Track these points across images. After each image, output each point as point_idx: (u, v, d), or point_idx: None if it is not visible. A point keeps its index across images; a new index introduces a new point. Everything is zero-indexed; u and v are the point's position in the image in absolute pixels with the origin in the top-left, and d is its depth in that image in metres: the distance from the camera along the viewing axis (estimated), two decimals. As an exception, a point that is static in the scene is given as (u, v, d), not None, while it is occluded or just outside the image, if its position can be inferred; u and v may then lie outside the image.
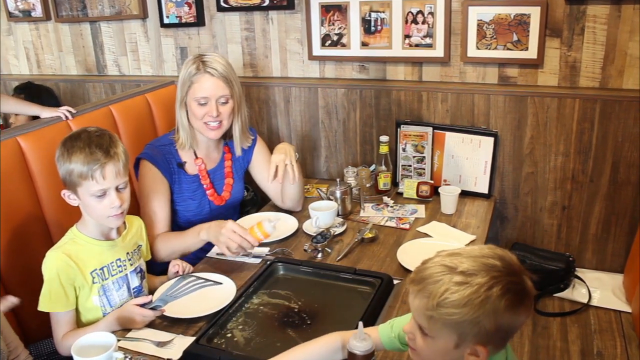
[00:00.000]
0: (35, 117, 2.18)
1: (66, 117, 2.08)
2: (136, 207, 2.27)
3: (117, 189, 1.55)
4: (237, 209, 2.25)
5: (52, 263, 1.54)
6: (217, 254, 1.86)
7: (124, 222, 1.69)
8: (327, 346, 1.27)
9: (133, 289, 1.67)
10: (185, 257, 2.01)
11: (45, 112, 2.10)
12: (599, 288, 2.18)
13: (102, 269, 1.60)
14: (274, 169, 1.98)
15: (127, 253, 1.67)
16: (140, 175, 1.99)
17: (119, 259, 1.64)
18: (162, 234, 1.91)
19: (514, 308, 0.97)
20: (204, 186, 2.05)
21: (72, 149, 1.51)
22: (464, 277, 0.97)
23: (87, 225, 1.61)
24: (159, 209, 1.94)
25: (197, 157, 2.04)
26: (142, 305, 1.52)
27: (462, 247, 1.07)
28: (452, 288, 0.97)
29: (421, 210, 2.20)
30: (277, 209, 2.22)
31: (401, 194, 2.34)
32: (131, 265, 1.68)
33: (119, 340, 1.37)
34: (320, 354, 1.27)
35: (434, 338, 1.03)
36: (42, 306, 1.55)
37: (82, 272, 1.56)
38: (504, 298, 0.96)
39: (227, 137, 2.08)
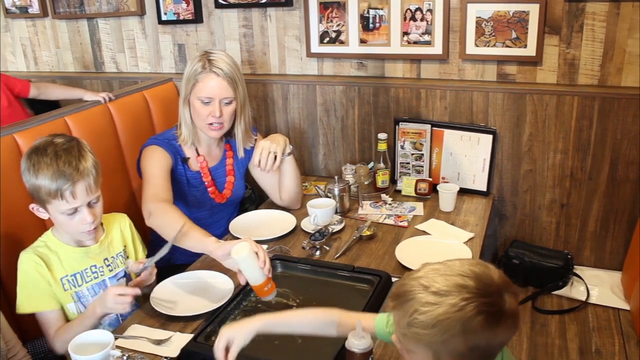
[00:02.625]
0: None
1: (105, 100, 2.26)
2: (134, 201, 2.26)
3: (89, 205, 1.50)
4: (237, 207, 2.25)
5: (28, 264, 1.51)
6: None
7: (102, 226, 1.65)
8: (323, 318, 1.28)
9: None
10: (183, 254, 2.01)
11: (88, 95, 2.31)
12: (597, 286, 2.18)
13: (73, 275, 1.57)
14: (259, 153, 1.97)
15: (105, 259, 1.64)
16: (143, 157, 1.93)
17: (94, 266, 1.61)
18: (169, 208, 1.77)
19: (489, 329, 0.94)
20: (205, 183, 2.04)
21: (39, 164, 1.44)
22: (435, 297, 0.95)
23: (60, 232, 1.58)
24: (162, 179, 1.86)
25: (199, 154, 2.04)
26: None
27: (447, 261, 1.05)
28: (421, 309, 0.95)
29: (419, 207, 2.20)
30: (276, 206, 2.21)
31: (399, 191, 2.34)
32: (110, 271, 1.64)
33: (116, 339, 1.36)
34: (314, 322, 1.29)
35: (414, 353, 1.02)
36: (24, 308, 1.50)
37: (53, 277, 1.53)
38: (475, 319, 0.93)
39: (228, 134, 2.07)
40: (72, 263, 1.57)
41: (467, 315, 0.93)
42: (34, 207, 1.53)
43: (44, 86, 2.61)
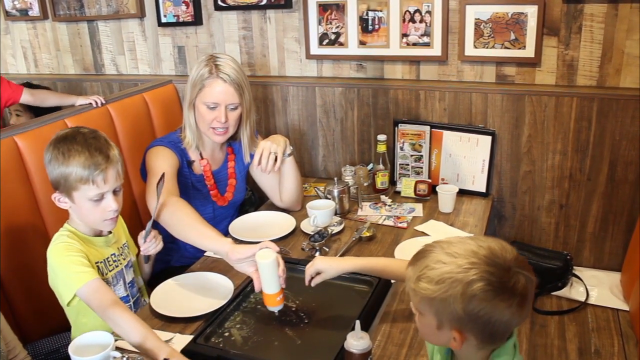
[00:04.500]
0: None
1: (97, 104, 2.22)
2: (134, 205, 2.27)
3: (114, 192, 1.54)
4: (237, 209, 2.25)
5: (65, 243, 1.51)
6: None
7: None
8: (400, 272, 1.41)
9: (128, 283, 1.68)
10: (183, 256, 2.02)
11: (80, 100, 2.27)
12: (596, 286, 2.18)
13: (102, 262, 1.60)
14: (260, 154, 1.96)
15: (119, 248, 1.68)
16: (150, 156, 1.91)
17: (114, 254, 1.64)
18: (179, 200, 1.76)
19: (487, 299, 0.98)
20: (208, 186, 2.05)
21: (70, 152, 1.48)
22: (447, 257, 1.02)
23: (78, 224, 1.59)
24: (171, 175, 1.84)
25: (202, 158, 2.04)
26: None
27: (475, 235, 1.10)
28: (431, 264, 1.03)
29: (419, 209, 2.20)
30: (275, 207, 2.22)
31: (399, 192, 2.34)
32: (124, 259, 1.68)
33: (116, 340, 1.37)
34: (393, 273, 1.50)
35: (422, 315, 1.08)
36: (77, 284, 1.43)
37: (89, 260, 1.52)
38: (476, 284, 0.98)
39: (231, 138, 2.07)
40: (97, 251, 1.59)
41: (469, 278, 0.98)
42: (56, 197, 1.54)
43: (39, 92, 2.59)
